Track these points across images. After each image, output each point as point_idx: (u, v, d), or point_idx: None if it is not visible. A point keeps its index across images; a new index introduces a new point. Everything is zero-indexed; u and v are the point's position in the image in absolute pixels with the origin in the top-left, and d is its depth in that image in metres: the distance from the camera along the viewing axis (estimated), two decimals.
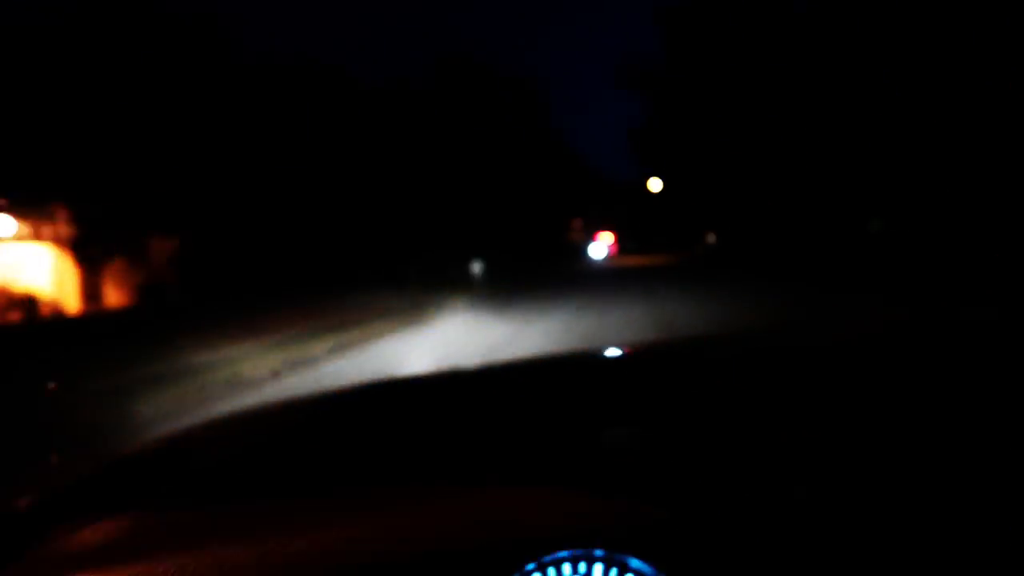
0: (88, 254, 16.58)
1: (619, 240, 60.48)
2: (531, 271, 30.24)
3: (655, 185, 42.61)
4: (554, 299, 16.16)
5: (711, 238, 36.68)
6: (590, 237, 57.36)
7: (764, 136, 25.44)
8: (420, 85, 28.87)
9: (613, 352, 2.01)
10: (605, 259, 47.84)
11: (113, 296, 18.17)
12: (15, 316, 15.51)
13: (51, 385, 5.88)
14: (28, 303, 15.69)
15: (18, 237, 16.23)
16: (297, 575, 0.77)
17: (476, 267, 28.10)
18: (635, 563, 0.81)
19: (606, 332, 9.67)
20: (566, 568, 0.82)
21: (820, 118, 22.02)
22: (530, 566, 0.80)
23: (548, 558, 0.81)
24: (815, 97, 21.80)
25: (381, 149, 23.40)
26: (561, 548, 0.81)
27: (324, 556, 0.79)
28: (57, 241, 16.78)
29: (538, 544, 0.81)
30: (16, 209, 15.50)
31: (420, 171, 25.56)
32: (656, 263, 33.03)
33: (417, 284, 21.31)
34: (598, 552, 0.82)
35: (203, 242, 16.39)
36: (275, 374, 7.83)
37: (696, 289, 16.50)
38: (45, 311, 16.09)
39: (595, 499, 0.87)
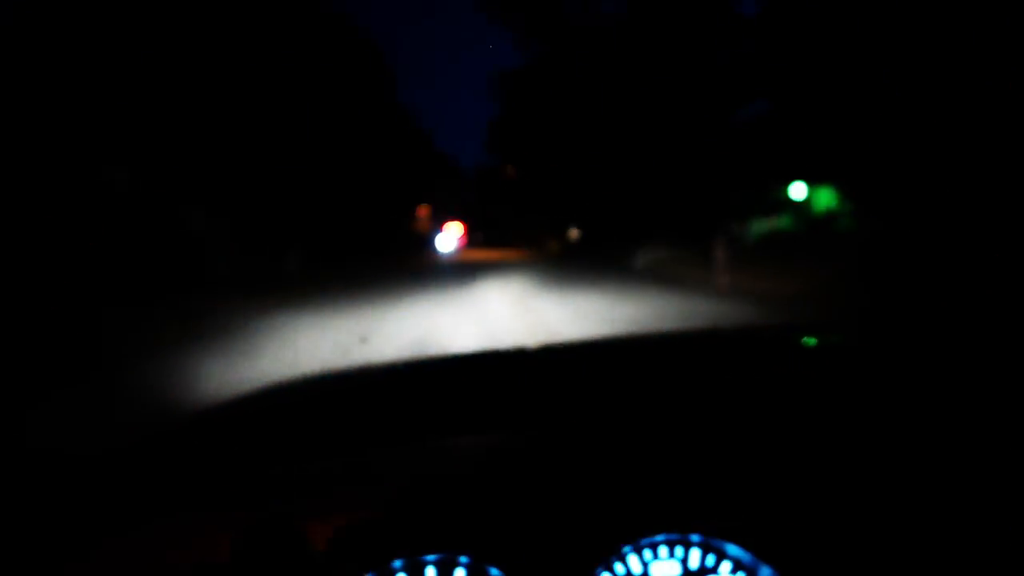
0: None
1: (469, 231, 56.95)
2: (366, 264, 24.54)
3: (512, 171, 38.24)
4: (393, 303, 11.39)
5: (574, 233, 32.56)
6: (438, 227, 53.29)
7: (646, 110, 21.44)
8: None
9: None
10: (454, 252, 43.50)
11: None
12: None
13: None
14: None
15: None
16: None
17: (292, 259, 22.12)
18: (733, 550, 0.82)
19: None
20: (662, 551, 0.84)
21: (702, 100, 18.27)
22: (626, 548, 0.82)
23: (645, 541, 0.83)
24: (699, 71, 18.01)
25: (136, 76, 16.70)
26: (657, 532, 0.83)
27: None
28: None
29: (634, 527, 0.83)
30: None
31: (212, 121, 19.13)
32: (508, 259, 28.54)
33: (202, 284, 15.48)
34: (695, 537, 0.83)
35: None
36: None
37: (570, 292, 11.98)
38: None
39: (692, 487, 0.86)
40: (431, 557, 0.83)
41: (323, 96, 27.40)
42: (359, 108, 32.31)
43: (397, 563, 0.83)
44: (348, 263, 24.19)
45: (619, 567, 0.82)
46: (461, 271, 21.98)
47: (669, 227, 18.47)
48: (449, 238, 49.21)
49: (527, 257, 30.30)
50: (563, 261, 25.07)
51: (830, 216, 17.05)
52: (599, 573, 0.81)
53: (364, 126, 33.00)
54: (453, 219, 54.61)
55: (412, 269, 24.44)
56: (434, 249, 44.26)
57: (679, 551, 0.83)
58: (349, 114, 30.70)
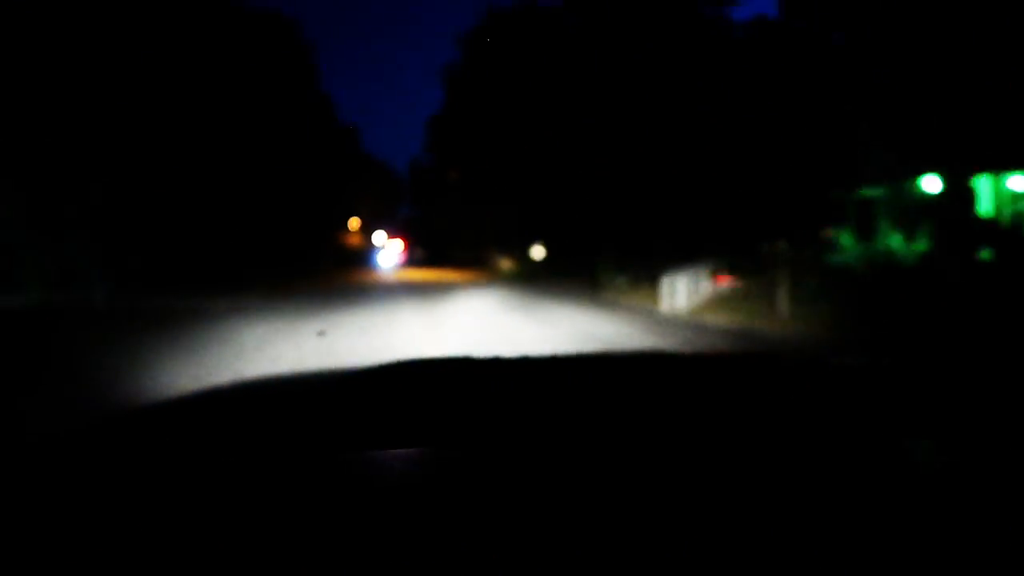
0: None
1: (408, 248, 50.87)
2: (238, 292, 16.31)
3: (456, 174, 30.66)
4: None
5: (537, 251, 24.93)
6: (373, 242, 47.72)
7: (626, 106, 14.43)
8: None
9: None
10: (394, 269, 39.37)
11: None
12: None
13: None
14: None
15: None
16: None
17: (97, 288, 13.90)
18: None
19: None
20: None
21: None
22: None
23: None
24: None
25: None
26: None
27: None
28: None
29: None
30: None
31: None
32: (453, 282, 20.94)
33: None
34: None
35: None
36: None
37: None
38: None
39: (689, 542, 0.76)
40: None
41: (213, 86, 19.79)
42: (261, 97, 24.33)
43: None
44: (209, 290, 16.12)
45: None
46: (388, 302, 14.23)
47: (719, 242, 11.01)
48: (389, 256, 46.61)
49: (478, 281, 22.66)
50: (531, 294, 17.23)
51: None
52: None
53: (268, 119, 24.99)
54: (393, 234, 50.58)
55: (324, 295, 16.64)
56: (374, 266, 41.01)
57: None
58: (249, 105, 22.76)
